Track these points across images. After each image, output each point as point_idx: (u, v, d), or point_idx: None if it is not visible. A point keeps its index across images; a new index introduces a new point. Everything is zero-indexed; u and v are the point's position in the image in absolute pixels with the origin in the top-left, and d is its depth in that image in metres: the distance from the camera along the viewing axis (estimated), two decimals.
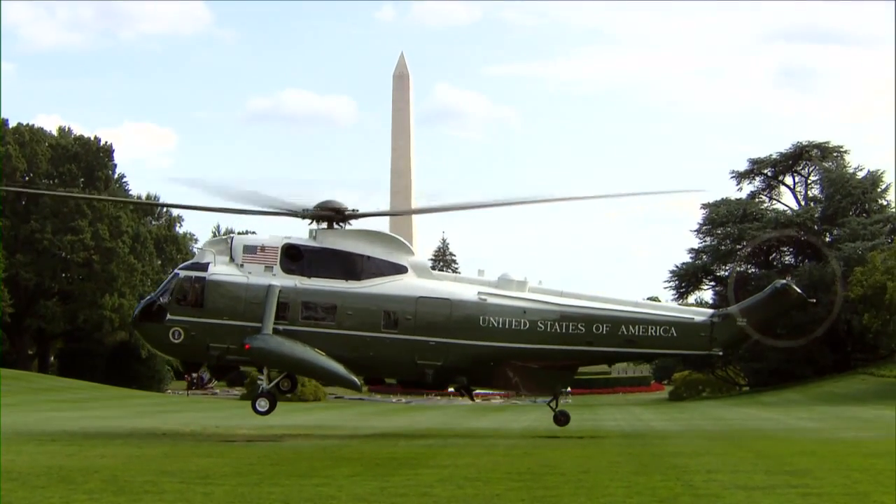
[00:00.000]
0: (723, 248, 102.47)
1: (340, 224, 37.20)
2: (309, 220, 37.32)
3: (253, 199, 36.22)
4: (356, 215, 37.30)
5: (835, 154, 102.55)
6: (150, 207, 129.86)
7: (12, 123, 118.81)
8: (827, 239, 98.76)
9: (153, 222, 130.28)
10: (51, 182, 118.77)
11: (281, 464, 23.99)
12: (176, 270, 37.21)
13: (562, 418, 37.77)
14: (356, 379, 35.90)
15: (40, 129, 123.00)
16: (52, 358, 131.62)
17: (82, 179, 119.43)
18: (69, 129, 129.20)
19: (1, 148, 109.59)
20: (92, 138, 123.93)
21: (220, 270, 35.66)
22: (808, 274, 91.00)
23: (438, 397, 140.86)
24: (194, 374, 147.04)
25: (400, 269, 36.43)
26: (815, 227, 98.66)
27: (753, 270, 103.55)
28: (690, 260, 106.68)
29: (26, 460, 24.33)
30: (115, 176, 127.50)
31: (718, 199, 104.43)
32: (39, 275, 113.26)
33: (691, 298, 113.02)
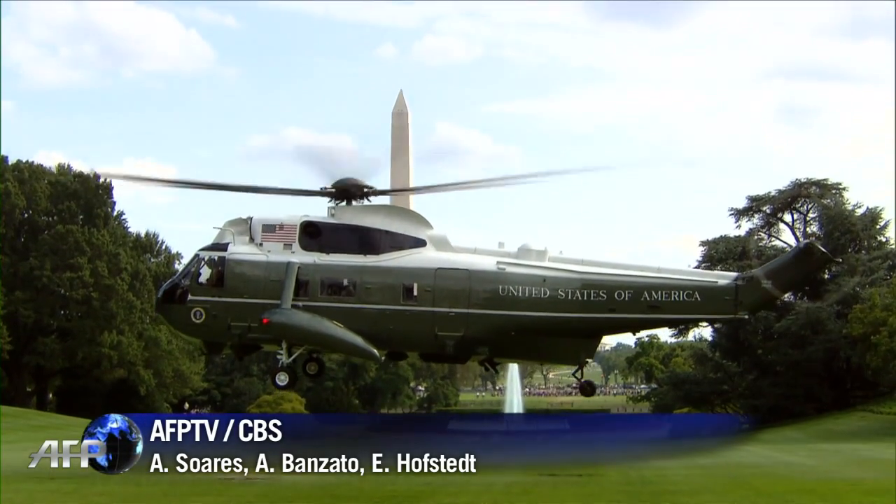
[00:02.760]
0: None
1: (358, 201, 37.42)
2: (328, 199, 37.45)
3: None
4: (374, 192, 37.49)
5: (833, 191, 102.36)
6: (149, 245, 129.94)
7: (13, 160, 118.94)
8: (826, 276, 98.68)
9: (152, 259, 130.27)
10: (50, 219, 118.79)
11: (280, 502, 23.93)
12: (197, 252, 37.23)
13: (588, 388, 37.83)
14: (375, 351, 35.79)
15: (40, 166, 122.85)
16: (50, 395, 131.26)
17: (81, 216, 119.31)
18: (69, 165, 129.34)
19: (0, 185, 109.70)
20: (91, 175, 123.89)
21: (240, 250, 35.85)
22: (805, 313, 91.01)
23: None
24: (193, 412, 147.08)
25: (419, 243, 36.39)
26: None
27: None
28: None
29: (25, 498, 24.30)
30: (115, 213, 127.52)
31: (717, 235, 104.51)
32: (38, 312, 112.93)
33: (691, 335, 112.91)
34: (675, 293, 35.86)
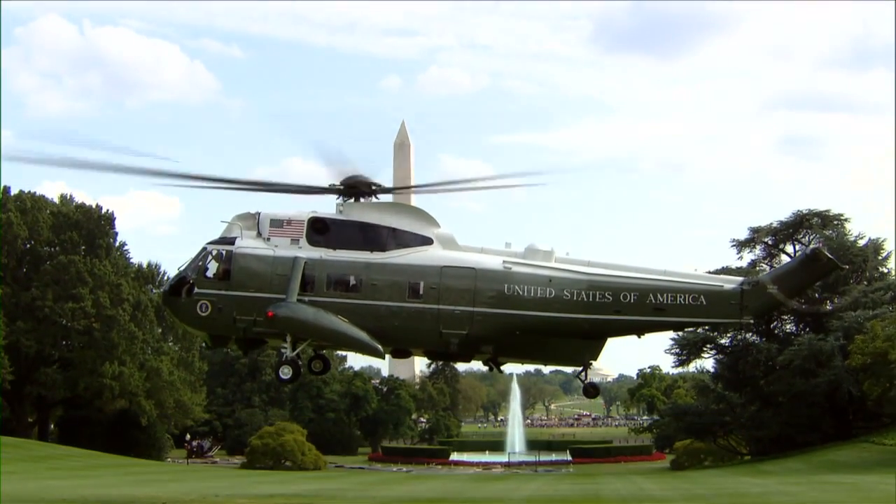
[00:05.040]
0: None
1: (366, 198, 37.29)
2: (336, 196, 37.27)
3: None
4: (382, 190, 37.41)
5: (835, 222, 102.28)
6: (151, 275, 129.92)
7: (15, 190, 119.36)
8: (828, 307, 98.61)
9: (153, 290, 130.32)
10: (52, 249, 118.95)
11: None
12: (205, 245, 37.04)
13: (591, 390, 37.47)
14: (379, 346, 35.66)
15: (42, 197, 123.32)
16: (51, 425, 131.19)
17: (83, 247, 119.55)
18: (71, 196, 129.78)
19: (1, 215, 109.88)
20: (93, 206, 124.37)
21: (247, 244, 35.84)
22: (807, 345, 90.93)
23: (439, 466, 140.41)
24: (194, 443, 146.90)
25: (425, 241, 36.35)
26: (817, 295, 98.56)
27: (755, 339, 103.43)
28: (692, 328, 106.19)
29: None
30: (117, 244, 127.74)
31: (719, 267, 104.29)
32: (40, 342, 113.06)
33: (692, 367, 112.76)
34: (680, 296, 35.61)
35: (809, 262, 36.68)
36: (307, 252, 35.52)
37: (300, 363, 36.15)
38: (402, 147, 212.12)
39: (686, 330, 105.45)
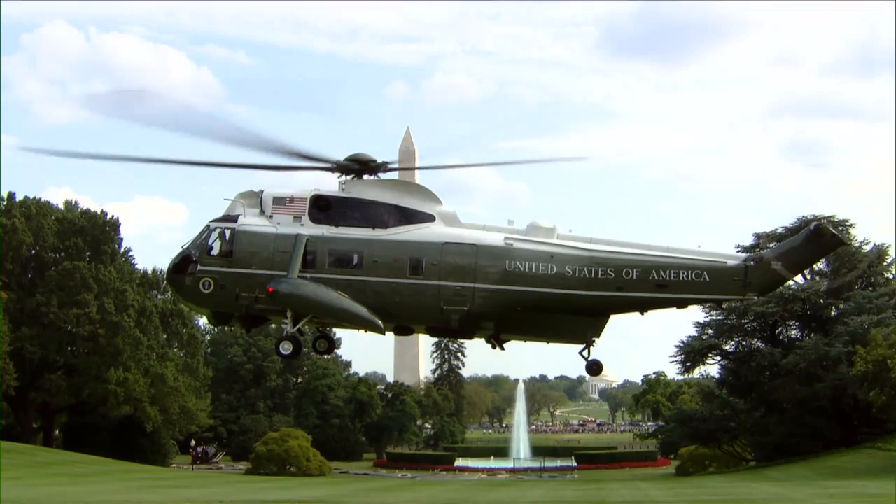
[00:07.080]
0: (728, 322, 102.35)
1: (369, 176, 37.17)
2: (339, 174, 37.16)
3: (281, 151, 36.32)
4: (385, 168, 37.29)
5: (840, 227, 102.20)
6: (156, 281, 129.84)
7: (20, 196, 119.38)
8: (833, 313, 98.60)
9: (159, 296, 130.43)
10: (57, 255, 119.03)
11: None
12: (208, 223, 36.96)
13: (595, 367, 37.14)
14: (380, 322, 35.45)
15: (47, 203, 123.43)
16: (56, 432, 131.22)
17: (88, 253, 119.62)
18: (76, 202, 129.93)
19: (6, 220, 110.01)
20: (98, 212, 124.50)
21: (250, 221, 35.84)
22: (813, 349, 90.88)
23: (444, 472, 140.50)
24: (199, 449, 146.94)
25: (427, 218, 36.29)
26: (822, 300, 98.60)
27: (759, 345, 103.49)
28: (697, 335, 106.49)
29: None
30: (122, 250, 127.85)
31: None
32: (45, 348, 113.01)
33: (697, 373, 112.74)
34: (683, 272, 35.28)
35: (813, 238, 36.29)
36: (309, 229, 35.49)
37: (301, 340, 36.09)
38: (407, 153, 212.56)
39: (690, 336, 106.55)
